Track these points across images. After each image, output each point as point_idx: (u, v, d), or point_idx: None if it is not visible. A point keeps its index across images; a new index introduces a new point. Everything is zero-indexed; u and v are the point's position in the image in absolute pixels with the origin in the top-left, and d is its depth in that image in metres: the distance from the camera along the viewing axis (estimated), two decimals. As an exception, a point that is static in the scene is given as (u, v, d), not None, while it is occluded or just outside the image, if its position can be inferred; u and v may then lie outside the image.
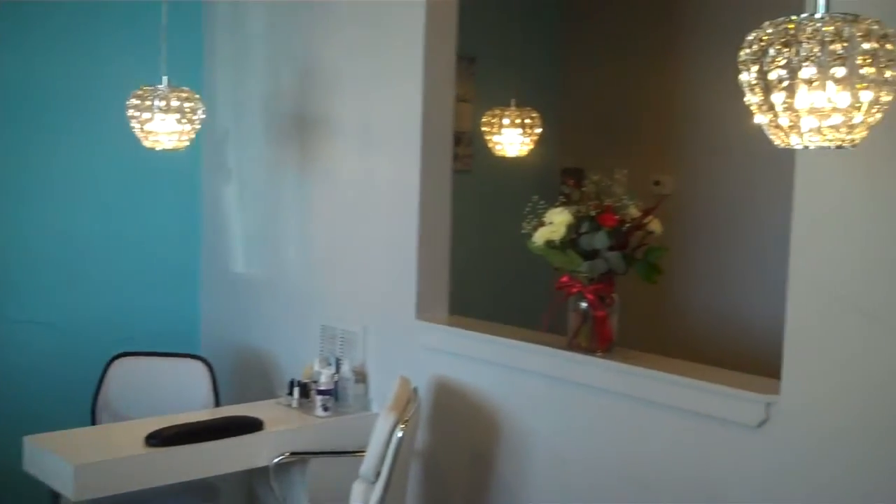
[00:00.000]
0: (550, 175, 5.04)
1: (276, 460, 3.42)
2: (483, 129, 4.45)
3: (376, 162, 3.76)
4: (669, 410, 2.79)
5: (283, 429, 3.51)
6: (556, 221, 2.97)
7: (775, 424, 2.54)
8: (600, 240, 2.92)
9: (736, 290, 4.51)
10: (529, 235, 3.05)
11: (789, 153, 2.47)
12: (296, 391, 3.71)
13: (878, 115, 1.70)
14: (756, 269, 4.40)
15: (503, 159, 4.54)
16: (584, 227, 2.96)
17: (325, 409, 3.62)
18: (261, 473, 3.53)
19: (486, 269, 4.83)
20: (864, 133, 1.73)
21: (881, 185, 2.32)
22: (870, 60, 1.63)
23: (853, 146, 1.74)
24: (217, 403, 3.91)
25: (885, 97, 1.68)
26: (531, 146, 4.48)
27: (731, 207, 4.54)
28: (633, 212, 3.02)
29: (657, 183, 4.80)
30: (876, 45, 1.63)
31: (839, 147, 1.73)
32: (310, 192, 4.09)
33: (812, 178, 2.46)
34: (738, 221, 4.52)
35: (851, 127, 1.70)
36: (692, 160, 4.71)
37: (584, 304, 3.04)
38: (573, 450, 3.08)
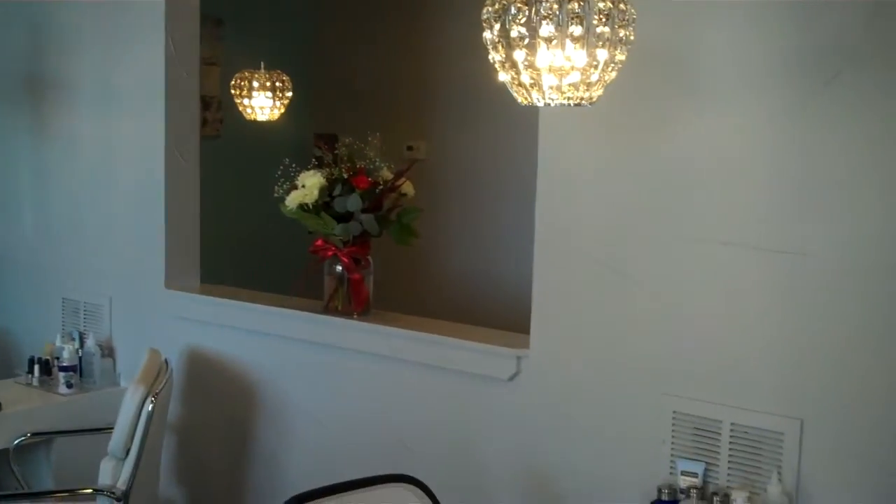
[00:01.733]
0: (304, 141, 4.98)
1: (15, 442, 3.21)
2: (232, 91, 4.32)
3: (119, 126, 3.58)
4: (426, 369, 2.83)
5: (22, 409, 3.29)
6: (309, 184, 2.93)
7: (526, 376, 2.63)
8: (353, 202, 2.91)
9: (489, 251, 4.63)
10: (282, 199, 3.00)
11: (535, 118, 2.55)
12: (36, 369, 3.49)
13: (614, 74, 1.78)
14: (507, 230, 4.53)
15: (255, 124, 4.43)
16: (337, 190, 2.93)
17: (69, 386, 3.43)
18: (0, 457, 3.31)
19: (239, 236, 4.72)
20: (601, 91, 1.80)
21: (620, 143, 2.44)
22: (605, 20, 1.69)
23: (591, 104, 1.81)
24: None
25: (620, 56, 1.75)
26: (282, 111, 4.40)
27: (483, 171, 4.65)
28: (386, 174, 3.03)
29: (410, 148, 4.84)
30: (611, 5, 1.69)
31: (578, 105, 1.79)
32: (46, 157, 3.84)
33: (554, 138, 2.54)
34: (489, 184, 4.64)
35: (589, 85, 1.76)
36: (444, 127, 4.78)
37: (339, 268, 3.02)
38: (333, 412, 3.07)
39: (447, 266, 4.71)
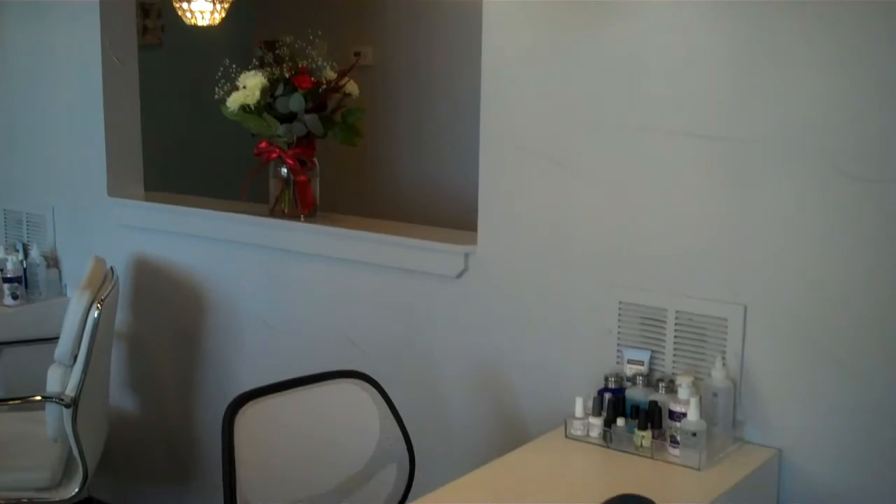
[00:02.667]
0: (247, 46, 4.86)
1: (-39, 355, 3.18)
2: (171, -4, 4.20)
3: (52, 33, 3.47)
4: (374, 269, 2.82)
5: (-34, 322, 3.26)
6: (250, 85, 2.87)
7: (473, 273, 2.63)
8: (296, 102, 2.86)
9: (439, 156, 4.59)
10: (223, 101, 2.94)
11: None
12: (-21, 281, 3.44)
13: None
14: (458, 135, 4.49)
15: (196, 30, 4.32)
16: (280, 90, 2.88)
17: (15, 297, 3.39)
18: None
19: (184, 143, 4.63)
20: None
21: (564, 35, 2.40)
22: None
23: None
24: None
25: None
26: (223, 15, 4.28)
27: (431, 76, 4.59)
28: (330, 74, 2.98)
29: (357, 54, 4.75)
30: None
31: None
32: (-21, 66, 3.73)
33: (498, 31, 2.50)
34: (439, 89, 4.58)
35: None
36: (392, 32, 4.70)
37: (284, 170, 2.98)
38: (282, 316, 3.06)
39: (397, 172, 4.68)
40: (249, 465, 2.10)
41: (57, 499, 2.90)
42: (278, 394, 2.22)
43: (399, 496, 2.31)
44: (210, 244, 3.18)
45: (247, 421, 2.12)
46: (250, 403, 2.15)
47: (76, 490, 2.89)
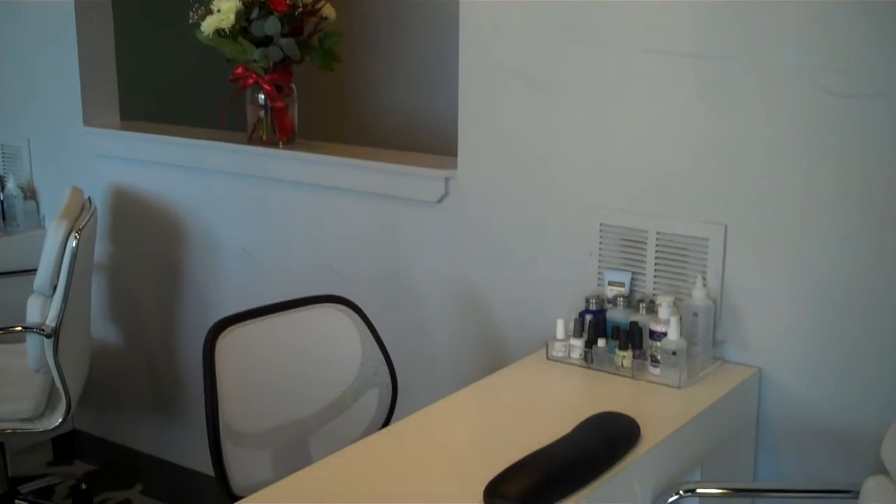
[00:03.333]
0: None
1: (-61, 288, 3.16)
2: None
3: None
4: (355, 195, 2.80)
5: (-57, 254, 3.23)
6: (224, 8, 2.82)
7: (454, 197, 2.62)
8: (272, 25, 2.81)
9: (417, 78, 4.54)
10: (198, 25, 2.88)
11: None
12: (-44, 214, 3.41)
13: None
14: (434, 54, 4.44)
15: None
16: (255, 14, 2.83)
17: (-8, 229, 3.36)
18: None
19: (159, 69, 4.56)
20: None
21: (541, -47, 2.36)
22: None
23: None
24: None
25: None
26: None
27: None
28: (306, -3, 2.92)
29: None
30: None
31: None
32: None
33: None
34: (416, 8, 4.51)
35: None
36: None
37: (261, 96, 2.94)
38: (262, 244, 3.05)
39: (376, 99, 4.62)
40: (231, 391, 2.10)
41: (41, 429, 2.90)
42: (259, 319, 2.21)
43: (382, 420, 2.32)
44: (188, 173, 3.15)
45: (227, 346, 2.12)
46: (231, 328, 2.15)
47: (60, 420, 2.89)
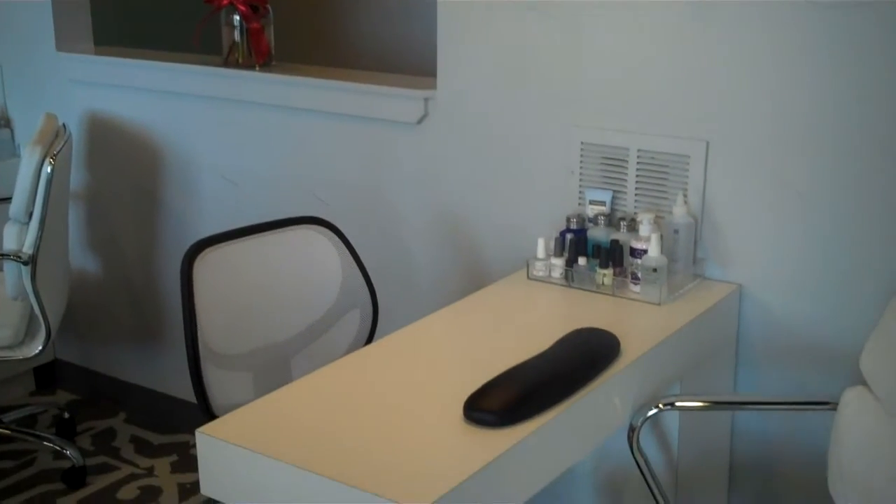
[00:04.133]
0: None
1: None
2: None
3: None
4: (333, 118, 2.77)
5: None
6: (198, -74, 2.75)
7: (434, 118, 2.59)
8: (246, -56, 2.75)
9: (395, 6, 4.47)
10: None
11: None
12: (-72, 143, 3.35)
13: None
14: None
15: None
16: (229, -68, 2.76)
17: (-34, 157, 3.31)
18: None
19: None
20: None
21: None
22: None
23: None
24: None
25: None
26: None
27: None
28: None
29: None
30: None
31: None
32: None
33: None
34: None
35: None
36: None
37: (236, 17, 2.89)
38: (240, 170, 3.01)
39: (354, 20, 4.55)
40: (210, 313, 2.09)
41: (21, 356, 2.89)
42: (237, 240, 2.19)
43: (363, 342, 2.32)
44: (163, 98, 3.10)
45: (205, 268, 2.10)
46: (209, 250, 2.13)
47: (39, 348, 2.88)
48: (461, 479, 1.45)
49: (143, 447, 3.30)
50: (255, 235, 2.23)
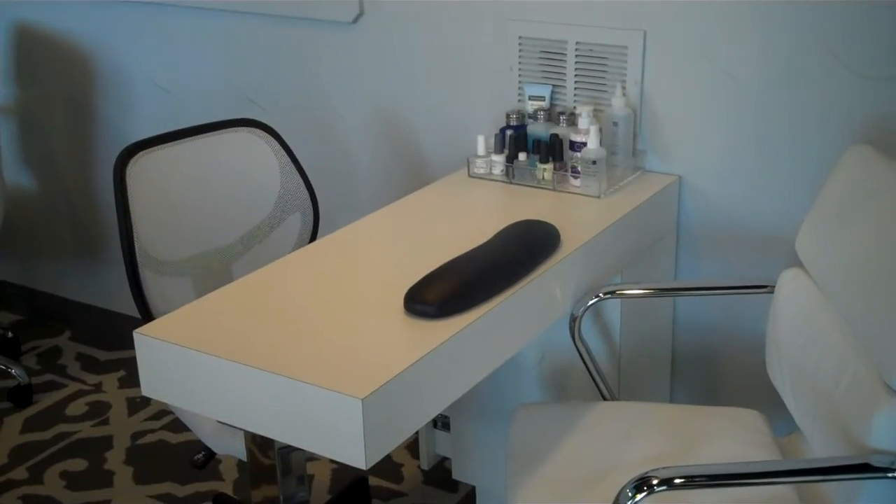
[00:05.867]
0: None
1: None
2: None
3: None
4: (267, 19, 2.70)
5: None
6: None
7: (370, 16, 2.53)
8: None
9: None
10: None
11: None
12: None
13: None
14: None
15: None
16: None
17: None
18: None
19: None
20: None
21: None
22: None
23: None
24: None
25: None
26: None
27: None
28: None
29: None
30: None
31: None
32: None
33: None
34: None
35: None
36: None
37: (163, -82, 2.79)
38: (175, 77, 2.94)
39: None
40: (146, 218, 2.05)
41: (-43, 275, 2.84)
42: (171, 144, 2.14)
43: (306, 244, 2.29)
44: (92, 6, 3.00)
45: (139, 172, 2.06)
46: (142, 154, 2.08)
47: (-23, 265, 2.83)
48: (400, 368, 1.45)
49: (89, 364, 3.28)
50: (190, 139, 2.18)
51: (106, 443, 2.86)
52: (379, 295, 1.69)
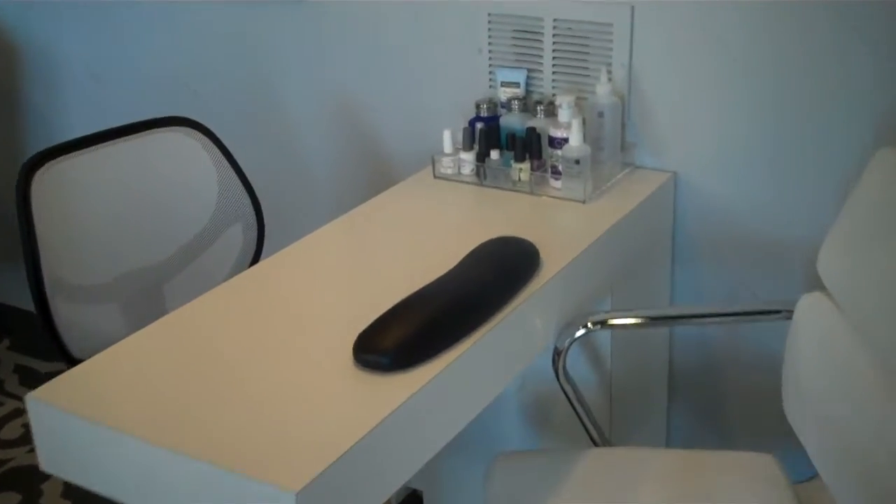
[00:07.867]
0: None
1: None
2: None
3: None
4: (209, 3, 2.40)
5: None
6: None
7: (318, -6, 2.23)
8: None
9: None
10: None
11: None
12: None
13: None
14: None
15: None
16: None
17: None
18: None
19: None
20: None
21: None
22: None
23: None
24: None
25: None
26: None
27: None
28: None
29: None
30: None
31: None
32: None
33: None
34: None
35: None
36: None
37: None
38: (110, 65, 2.65)
39: None
40: (57, 238, 1.77)
41: None
42: (87, 150, 1.85)
43: (249, 260, 2.01)
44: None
45: (49, 184, 1.77)
46: (51, 163, 1.79)
47: None
48: (347, 445, 1.17)
49: (29, 378, 2.99)
50: (112, 142, 1.89)
51: (43, 473, 2.58)
52: (325, 339, 1.41)
